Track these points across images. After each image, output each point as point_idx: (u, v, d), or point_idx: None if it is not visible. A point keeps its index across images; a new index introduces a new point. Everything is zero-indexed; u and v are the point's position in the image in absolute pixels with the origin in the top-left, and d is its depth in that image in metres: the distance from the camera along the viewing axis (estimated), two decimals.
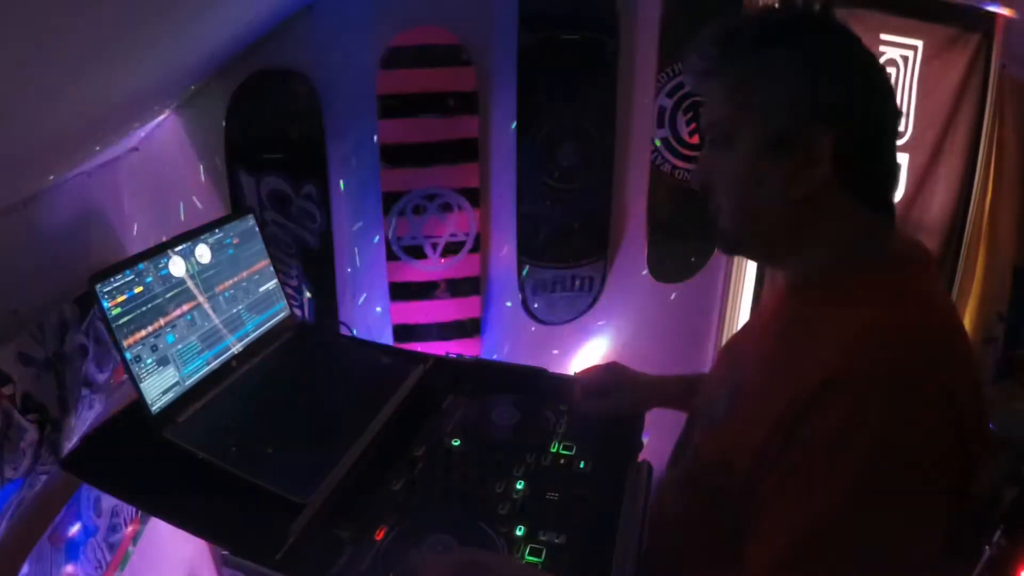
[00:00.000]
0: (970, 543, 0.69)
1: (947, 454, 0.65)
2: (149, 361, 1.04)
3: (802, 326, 0.78)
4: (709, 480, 0.80)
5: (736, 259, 2.14)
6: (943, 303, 0.77)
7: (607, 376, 1.17)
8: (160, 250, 1.11)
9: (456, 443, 1.09)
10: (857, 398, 0.65)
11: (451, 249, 1.90)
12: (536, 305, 2.03)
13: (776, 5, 0.86)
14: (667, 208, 2.01)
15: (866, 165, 0.76)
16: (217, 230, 1.24)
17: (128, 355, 1.01)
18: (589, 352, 2.13)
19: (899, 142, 0.87)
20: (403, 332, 1.94)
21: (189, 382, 1.10)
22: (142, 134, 1.54)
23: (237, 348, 1.22)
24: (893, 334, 0.68)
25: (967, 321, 2.14)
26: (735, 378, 0.84)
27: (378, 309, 1.95)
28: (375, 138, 1.77)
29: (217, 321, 1.19)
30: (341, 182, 1.81)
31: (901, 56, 1.96)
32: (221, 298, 1.21)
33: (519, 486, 1.00)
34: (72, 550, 1.10)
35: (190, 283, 1.15)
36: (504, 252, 1.98)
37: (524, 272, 1.98)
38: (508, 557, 0.89)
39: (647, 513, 0.98)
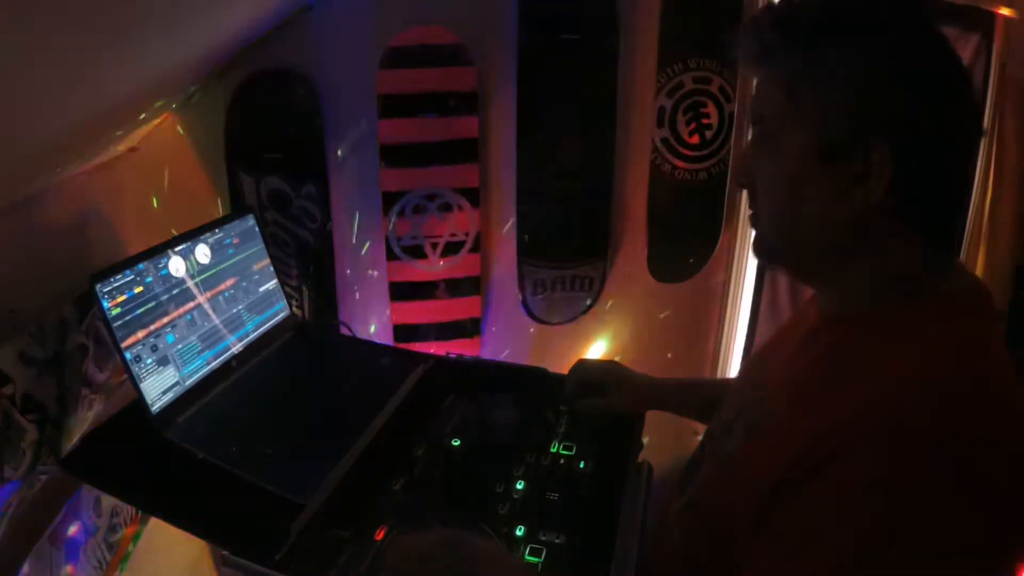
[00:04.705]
0: None
1: (976, 535, 0.56)
2: (149, 361, 1.04)
3: (834, 371, 0.71)
4: (712, 524, 0.76)
5: (736, 259, 2.14)
6: (995, 357, 0.66)
7: (604, 373, 1.17)
8: (160, 250, 1.11)
9: (456, 443, 1.09)
10: (875, 459, 0.58)
11: (451, 249, 1.90)
12: (536, 305, 2.03)
13: None
14: (667, 208, 2.01)
15: (928, 189, 0.67)
16: (217, 230, 1.24)
17: (128, 355, 1.01)
18: (589, 352, 2.13)
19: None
20: (403, 332, 1.94)
21: (189, 382, 1.10)
22: (142, 134, 1.54)
23: (237, 348, 1.22)
24: (928, 395, 0.61)
25: None
26: (753, 414, 0.78)
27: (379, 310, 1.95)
28: (375, 138, 1.77)
29: (217, 321, 1.19)
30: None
31: None
32: (221, 298, 1.21)
33: (519, 486, 1.00)
34: (72, 550, 1.10)
35: (190, 283, 1.15)
36: (504, 252, 1.98)
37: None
38: (490, 541, 0.87)
39: (647, 524, 0.97)
